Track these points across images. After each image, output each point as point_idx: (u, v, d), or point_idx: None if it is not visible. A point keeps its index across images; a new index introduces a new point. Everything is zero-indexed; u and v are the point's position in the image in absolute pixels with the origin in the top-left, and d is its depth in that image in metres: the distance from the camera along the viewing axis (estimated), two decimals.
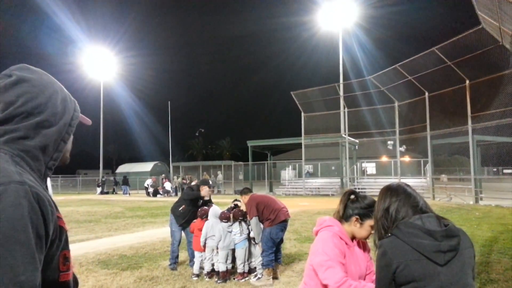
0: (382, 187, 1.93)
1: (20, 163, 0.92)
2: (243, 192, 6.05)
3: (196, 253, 5.85)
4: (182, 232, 6.42)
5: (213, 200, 6.72)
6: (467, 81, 17.93)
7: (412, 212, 1.70)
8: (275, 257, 5.64)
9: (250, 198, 5.82)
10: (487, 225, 10.31)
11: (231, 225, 5.67)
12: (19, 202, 0.81)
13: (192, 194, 6.33)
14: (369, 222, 2.13)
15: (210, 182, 6.72)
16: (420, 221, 1.64)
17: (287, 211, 5.72)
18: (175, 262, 6.26)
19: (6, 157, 0.89)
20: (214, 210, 5.86)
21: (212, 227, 5.65)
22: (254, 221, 5.54)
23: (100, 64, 41.24)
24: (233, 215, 5.73)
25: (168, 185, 29.57)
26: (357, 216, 2.19)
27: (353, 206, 2.23)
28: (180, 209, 6.32)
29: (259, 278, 5.51)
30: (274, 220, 5.50)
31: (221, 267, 5.53)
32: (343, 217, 2.24)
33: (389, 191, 1.83)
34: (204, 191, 6.33)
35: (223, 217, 5.69)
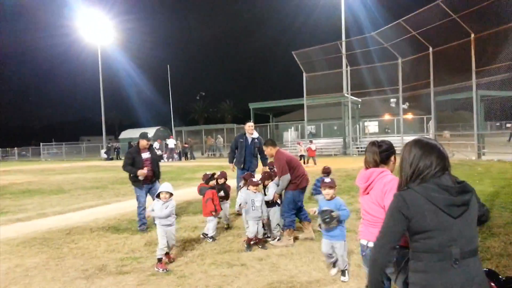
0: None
1: None
2: (267, 143, 5.78)
3: (208, 218, 5.95)
4: (149, 195, 6.78)
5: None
6: (472, 35, 17.47)
7: (441, 170, 1.78)
8: (303, 216, 5.64)
9: (278, 153, 5.59)
10: (489, 180, 10.42)
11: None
12: None
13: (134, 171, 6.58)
14: (392, 158, 2.81)
15: (149, 135, 7.06)
16: (439, 178, 1.76)
17: (308, 177, 5.66)
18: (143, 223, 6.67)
19: None
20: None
21: None
22: (287, 177, 5.38)
23: (96, 28, 40.25)
24: (263, 179, 5.73)
25: (172, 142, 30.12)
26: (394, 155, 2.78)
27: (384, 150, 2.78)
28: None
29: (279, 239, 5.58)
30: (299, 185, 5.47)
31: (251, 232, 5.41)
32: (382, 162, 2.76)
33: (424, 147, 1.85)
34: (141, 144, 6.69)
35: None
